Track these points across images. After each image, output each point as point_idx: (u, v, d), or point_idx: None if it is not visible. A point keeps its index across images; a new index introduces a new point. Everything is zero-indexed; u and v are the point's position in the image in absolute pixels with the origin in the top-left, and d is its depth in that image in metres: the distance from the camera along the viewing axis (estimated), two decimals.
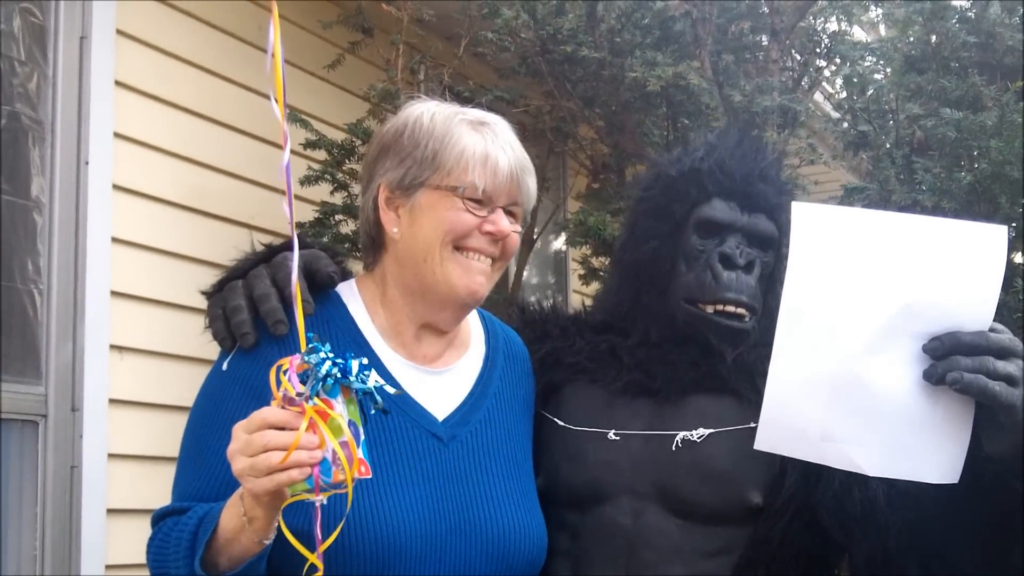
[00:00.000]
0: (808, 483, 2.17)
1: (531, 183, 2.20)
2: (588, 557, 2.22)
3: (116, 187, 4.25)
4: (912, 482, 1.97)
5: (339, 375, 1.71)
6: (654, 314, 2.34)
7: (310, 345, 1.72)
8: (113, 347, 4.19)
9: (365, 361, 1.76)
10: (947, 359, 1.88)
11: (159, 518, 2.02)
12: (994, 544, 2.01)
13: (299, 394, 1.70)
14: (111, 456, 4.13)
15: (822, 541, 2.21)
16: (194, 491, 2.01)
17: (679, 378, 2.27)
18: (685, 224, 2.33)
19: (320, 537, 1.75)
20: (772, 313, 2.26)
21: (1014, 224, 5.22)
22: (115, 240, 4.23)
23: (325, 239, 4.72)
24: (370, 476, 1.76)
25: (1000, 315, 1.94)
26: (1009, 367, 1.88)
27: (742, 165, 2.35)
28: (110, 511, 4.09)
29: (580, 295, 6.55)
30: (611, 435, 2.26)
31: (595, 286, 5.46)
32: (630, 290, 2.41)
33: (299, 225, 4.86)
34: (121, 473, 4.14)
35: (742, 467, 2.19)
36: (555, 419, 2.33)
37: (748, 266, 2.28)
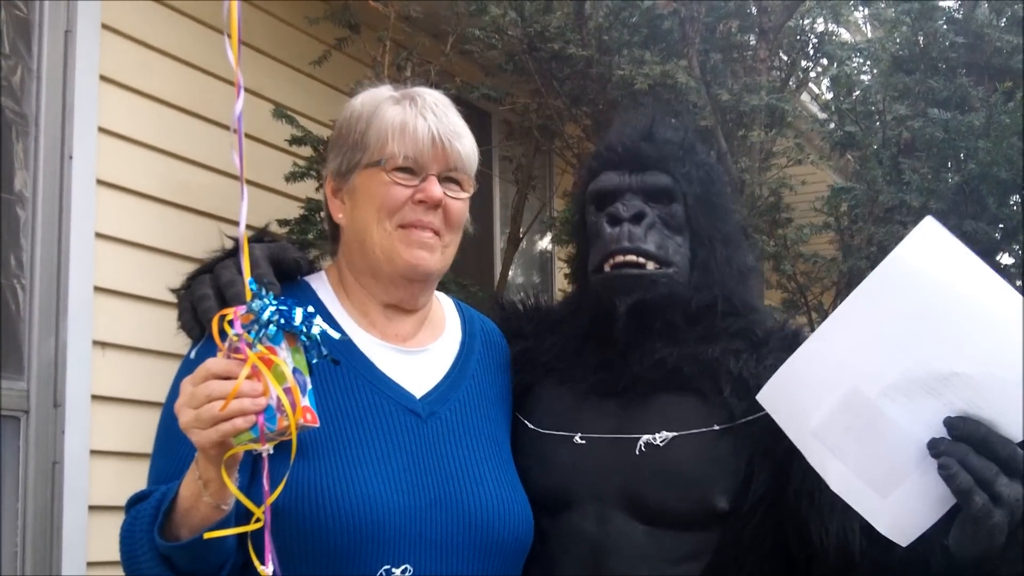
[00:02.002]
0: (778, 484, 2.12)
1: (461, 146, 2.17)
2: (556, 563, 2.18)
3: (100, 182, 4.23)
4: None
5: (282, 321, 1.70)
6: (584, 300, 2.33)
7: (255, 293, 1.70)
8: (96, 343, 4.17)
9: (311, 309, 1.75)
10: (958, 444, 1.81)
11: (131, 504, 2.00)
12: None
13: (237, 334, 1.68)
14: (93, 452, 4.11)
15: (795, 541, 2.16)
16: (164, 476, 1.98)
17: (643, 379, 2.22)
18: (586, 206, 2.35)
19: (268, 489, 1.73)
20: (708, 268, 2.27)
21: (1001, 225, 5.23)
22: (98, 235, 4.21)
23: (310, 235, 4.71)
24: (317, 425, 1.75)
25: None
26: (1008, 489, 1.79)
27: (625, 136, 2.35)
28: (92, 508, 4.06)
29: (565, 294, 6.53)
30: (577, 439, 2.22)
31: None
32: (576, 284, 2.44)
33: (285, 222, 4.85)
34: (103, 469, 4.11)
35: (707, 472, 2.14)
36: (526, 421, 2.30)
37: (635, 217, 2.23)
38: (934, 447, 1.83)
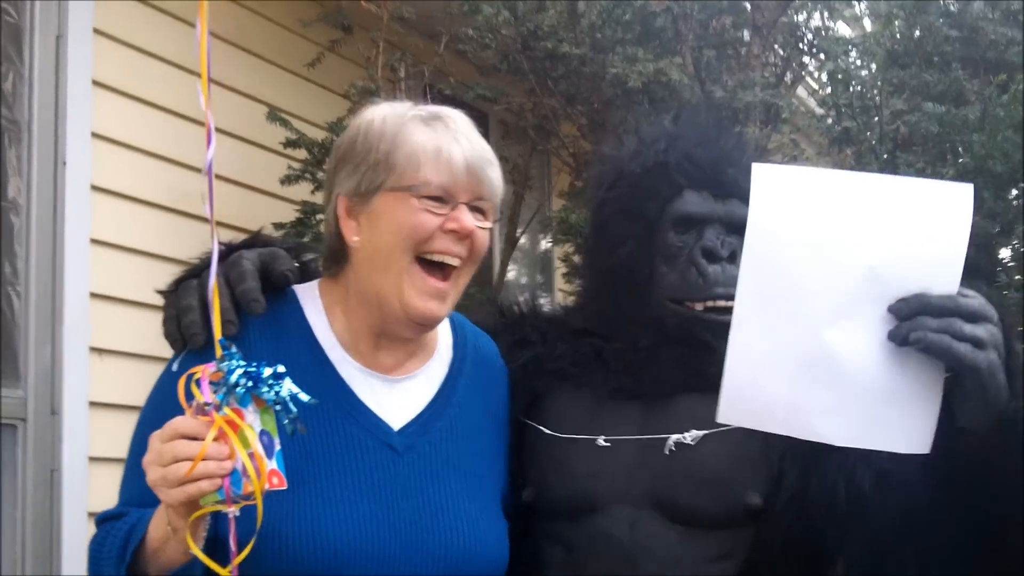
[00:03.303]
0: (807, 481, 2.09)
1: (493, 175, 2.08)
2: (584, 570, 2.13)
3: (94, 188, 4.22)
4: (901, 466, 1.94)
5: (249, 383, 1.68)
6: (639, 319, 2.24)
7: (224, 352, 1.68)
8: (92, 349, 4.16)
9: (281, 369, 1.72)
10: (913, 319, 1.84)
11: (101, 522, 1.99)
12: (983, 529, 1.95)
13: (207, 403, 1.67)
14: (91, 459, 4.10)
15: (826, 540, 2.13)
16: (137, 496, 1.95)
17: (667, 379, 2.19)
18: (659, 222, 2.23)
19: (235, 550, 1.72)
20: None
21: (998, 216, 5.22)
22: (94, 241, 4.20)
23: (306, 238, 4.70)
24: (284, 487, 1.72)
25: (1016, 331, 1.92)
26: (977, 330, 1.83)
27: (709, 152, 2.26)
28: (91, 514, 4.04)
29: (565, 293, 6.53)
30: (601, 441, 2.17)
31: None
32: (609, 296, 2.30)
33: (280, 226, 4.83)
34: (101, 476, 4.10)
35: (738, 469, 2.11)
36: (541, 428, 2.24)
37: (731, 256, 2.18)
38: (895, 336, 1.85)
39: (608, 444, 2.17)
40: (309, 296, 2.14)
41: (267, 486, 1.69)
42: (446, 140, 2.04)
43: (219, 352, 1.69)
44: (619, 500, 2.14)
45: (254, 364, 1.69)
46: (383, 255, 2.04)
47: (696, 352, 2.18)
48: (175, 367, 2.05)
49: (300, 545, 1.92)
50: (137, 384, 4.19)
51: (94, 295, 4.18)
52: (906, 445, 1.90)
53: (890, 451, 1.91)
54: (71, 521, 3.98)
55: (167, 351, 2.15)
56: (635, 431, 2.18)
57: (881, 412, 1.89)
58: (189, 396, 1.70)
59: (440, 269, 2.06)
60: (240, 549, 1.73)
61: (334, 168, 2.13)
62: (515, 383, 2.31)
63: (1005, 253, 5.68)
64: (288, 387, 1.71)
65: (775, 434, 2.03)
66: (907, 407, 1.88)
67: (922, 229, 1.87)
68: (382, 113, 2.10)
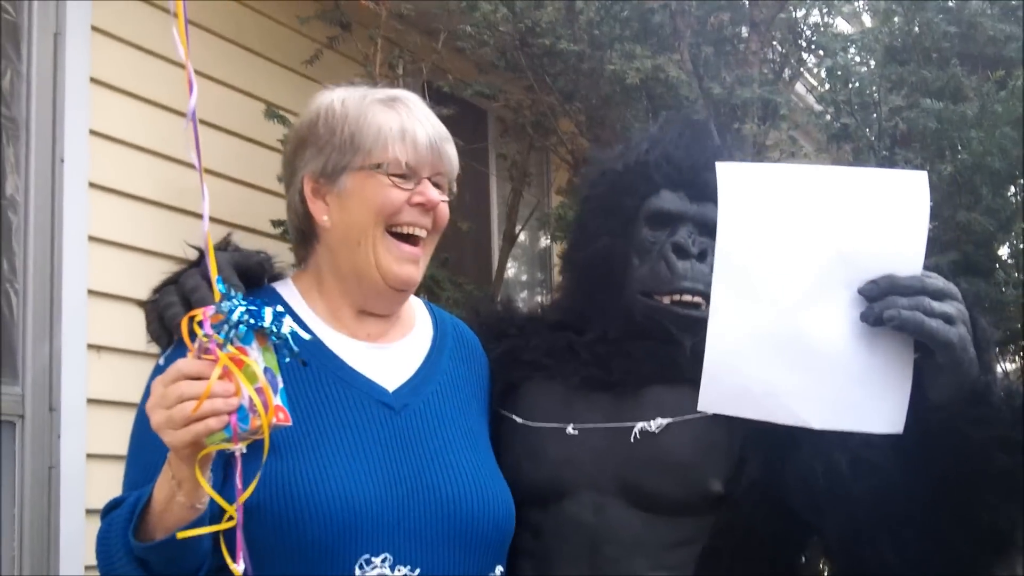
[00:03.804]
0: (771, 469, 2.15)
1: (451, 151, 2.21)
2: (551, 555, 2.21)
3: (92, 185, 4.22)
4: (874, 449, 1.99)
5: (251, 321, 1.70)
6: (610, 311, 2.33)
7: (223, 294, 1.71)
8: (90, 346, 4.16)
9: (280, 308, 1.75)
10: (884, 299, 1.91)
11: (107, 511, 2.01)
12: (956, 503, 1.99)
13: (206, 335, 1.69)
14: (89, 456, 4.10)
15: (788, 528, 2.21)
16: (138, 484, 1.98)
17: (637, 370, 2.26)
18: (635, 217, 2.34)
19: (241, 488, 1.74)
20: None
21: (996, 212, 5.21)
22: (92, 239, 4.20)
23: None
24: (289, 423, 1.75)
25: (980, 307, 1.96)
26: (945, 307, 1.91)
27: (688, 155, 2.34)
28: (89, 512, 4.05)
29: (555, 291, 6.52)
30: (570, 429, 2.25)
31: None
32: (584, 289, 2.41)
33: (278, 223, 4.83)
34: (99, 473, 4.10)
35: (702, 456, 2.18)
36: (514, 417, 2.31)
37: (701, 255, 2.27)
38: (868, 316, 1.93)
39: (576, 432, 2.25)
40: (285, 286, 2.23)
41: (274, 420, 1.71)
42: (409, 121, 2.16)
43: (217, 295, 1.72)
44: (586, 486, 2.21)
45: (255, 303, 1.72)
46: (356, 231, 2.14)
47: (663, 344, 2.27)
48: (162, 361, 2.09)
49: (306, 499, 1.96)
50: (135, 381, 4.18)
51: (92, 292, 4.18)
52: (881, 425, 1.96)
53: (866, 431, 1.96)
54: (69, 518, 3.98)
55: None
56: (604, 419, 2.25)
57: (855, 393, 1.95)
58: (192, 338, 1.72)
59: (408, 240, 2.16)
60: (245, 489, 1.75)
61: (294, 152, 2.23)
62: (492, 373, 2.39)
63: (1003, 250, 5.68)
64: (289, 325, 1.75)
65: (739, 424, 2.10)
66: (880, 388, 1.95)
67: (884, 216, 1.95)
68: (340, 96, 2.20)
